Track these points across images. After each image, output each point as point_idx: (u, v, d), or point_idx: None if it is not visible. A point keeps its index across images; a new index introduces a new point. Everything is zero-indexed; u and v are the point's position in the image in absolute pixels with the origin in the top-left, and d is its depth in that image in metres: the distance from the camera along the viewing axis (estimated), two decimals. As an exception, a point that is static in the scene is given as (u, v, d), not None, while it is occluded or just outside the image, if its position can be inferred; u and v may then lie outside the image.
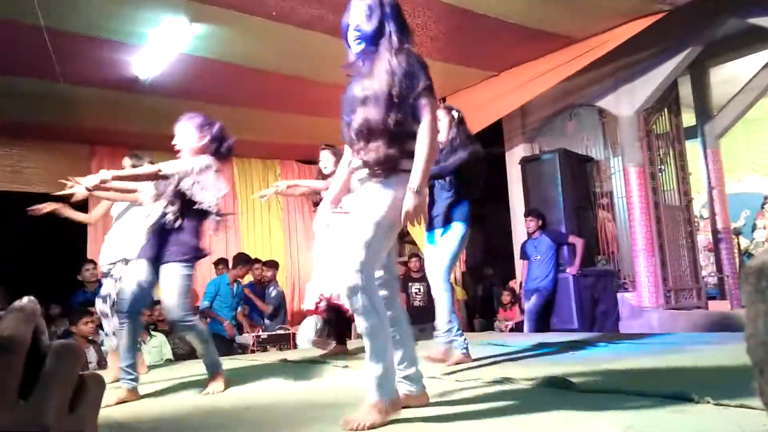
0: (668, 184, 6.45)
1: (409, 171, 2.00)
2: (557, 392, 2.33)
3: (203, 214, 2.99)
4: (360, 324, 1.97)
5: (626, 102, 6.11)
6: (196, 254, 2.99)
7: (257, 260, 6.82)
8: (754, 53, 6.57)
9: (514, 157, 7.01)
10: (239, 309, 6.31)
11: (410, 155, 2.00)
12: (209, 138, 3.09)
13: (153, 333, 5.46)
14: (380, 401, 1.95)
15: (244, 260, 6.53)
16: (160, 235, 2.94)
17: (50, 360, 0.34)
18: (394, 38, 2.06)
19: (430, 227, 3.51)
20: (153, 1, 4.21)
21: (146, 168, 3.13)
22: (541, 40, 5.39)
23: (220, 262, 6.65)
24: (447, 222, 3.42)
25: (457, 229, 3.40)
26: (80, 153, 6.65)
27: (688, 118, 7.13)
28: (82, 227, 4.22)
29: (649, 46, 5.70)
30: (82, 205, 4.08)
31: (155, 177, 2.94)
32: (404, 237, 8.61)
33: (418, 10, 4.68)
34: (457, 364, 3.38)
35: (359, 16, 2.09)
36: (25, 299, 0.35)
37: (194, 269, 3.04)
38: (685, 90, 7.02)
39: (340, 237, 4.01)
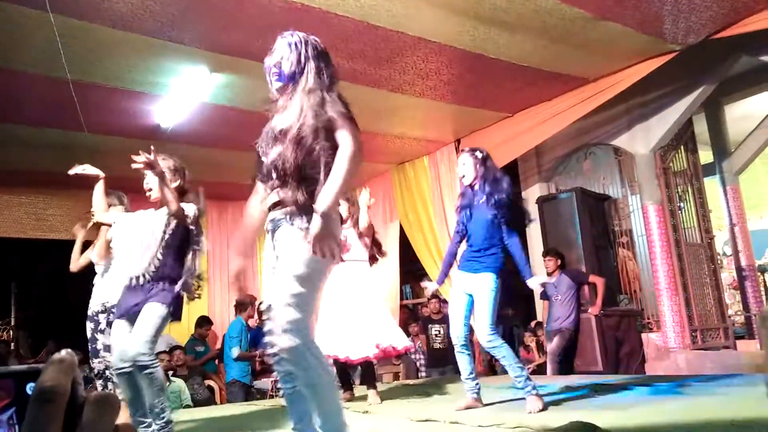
0: (689, 221, 6.38)
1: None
2: (584, 438, 2.27)
3: (181, 268, 2.93)
4: (307, 383, 1.86)
5: (642, 140, 6.11)
6: (176, 304, 2.91)
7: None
8: (769, 90, 6.58)
9: (531, 197, 7.00)
10: (258, 352, 6.27)
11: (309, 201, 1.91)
12: (181, 182, 3.00)
13: (172, 379, 5.43)
14: None
15: (250, 302, 6.50)
16: (139, 287, 2.87)
17: (88, 410, 0.35)
18: (311, 78, 2.04)
19: (461, 268, 3.50)
20: (174, 52, 4.36)
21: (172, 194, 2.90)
22: (554, 81, 5.46)
23: (239, 305, 6.61)
24: (482, 270, 3.38)
25: (493, 279, 3.37)
26: (103, 200, 6.79)
27: (706, 156, 7.10)
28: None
29: (663, 84, 5.74)
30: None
31: (179, 211, 2.89)
32: (422, 278, 8.54)
33: (431, 56, 4.79)
34: (468, 408, 3.34)
35: (280, 54, 2.10)
36: (64, 352, 0.36)
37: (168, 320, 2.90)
38: (701, 127, 7.02)
39: (343, 292, 3.99)
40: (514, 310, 8.32)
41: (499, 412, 3.24)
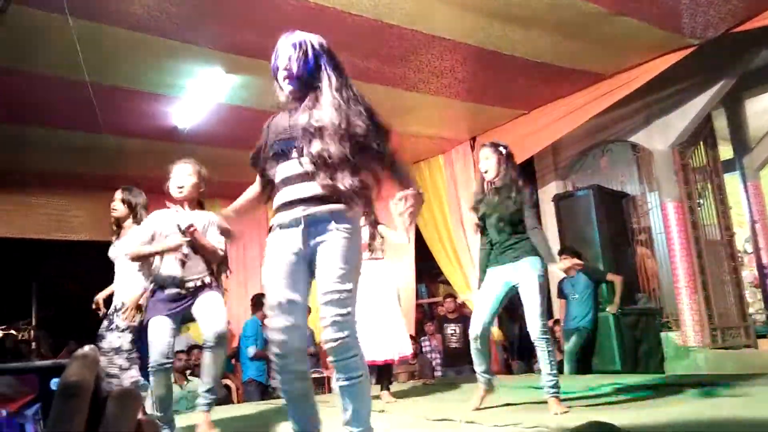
0: (708, 218, 6.29)
1: (359, 211, 2.02)
2: (603, 437, 2.24)
3: None
4: (346, 378, 1.91)
5: (660, 136, 6.04)
6: None
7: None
8: (790, 84, 6.46)
9: (547, 195, 6.96)
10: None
11: (361, 193, 1.96)
12: (204, 190, 3.24)
13: (189, 378, 5.48)
14: None
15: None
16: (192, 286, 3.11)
17: (111, 405, 0.35)
18: (333, 74, 2.05)
19: (493, 264, 3.36)
20: (190, 53, 4.39)
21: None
22: (569, 77, 5.41)
23: (256, 304, 6.61)
24: (522, 257, 3.24)
25: (538, 262, 3.24)
26: (121, 201, 6.87)
27: (725, 151, 6.99)
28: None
29: (681, 79, 5.66)
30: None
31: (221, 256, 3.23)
32: (438, 277, 8.56)
33: (445, 54, 4.77)
34: (481, 399, 3.38)
35: (287, 55, 2.07)
36: (87, 348, 0.37)
37: None
38: (721, 122, 6.91)
39: (366, 291, 4.05)
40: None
41: (515, 412, 3.22)
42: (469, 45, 4.66)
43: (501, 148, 3.42)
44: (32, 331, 10.76)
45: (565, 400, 3.19)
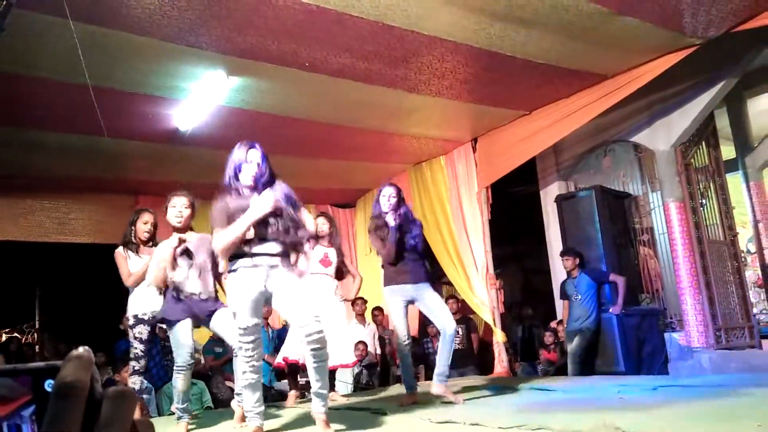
0: (711, 218, 6.27)
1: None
2: (607, 438, 2.24)
3: None
4: (323, 356, 2.94)
5: (662, 136, 6.02)
6: None
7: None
8: (793, 83, 6.45)
9: (549, 195, 6.95)
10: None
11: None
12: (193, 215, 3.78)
13: (193, 381, 5.47)
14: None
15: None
16: (205, 300, 3.56)
17: (106, 405, 0.35)
18: (277, 180, 3.13)
19: (409, 282, 4.00)
20: (192, 56, 4.39)
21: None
22: (571, 78, 5.40)
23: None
24: (428, 280, 4.09)
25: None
26: (124, 203, 6.84)
27: (728, 151, 6.98)
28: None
29: (683, 79, 5.65)
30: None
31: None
32: (441, 278, 8.58)
33: (447, 55, 4.76)
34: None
35: (257, 162, 3.04)
36: (81, 348, 0.37)
37: None
38: (723, 122, 6.90)
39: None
40: (534, 309, 8.25)
41: (520, 413, 3.21)
42: (471, 46, 4.65)
43: (399, 190, 4.17)
44: (36, 334, 10.80)
45: (567, 400, 3.19)
